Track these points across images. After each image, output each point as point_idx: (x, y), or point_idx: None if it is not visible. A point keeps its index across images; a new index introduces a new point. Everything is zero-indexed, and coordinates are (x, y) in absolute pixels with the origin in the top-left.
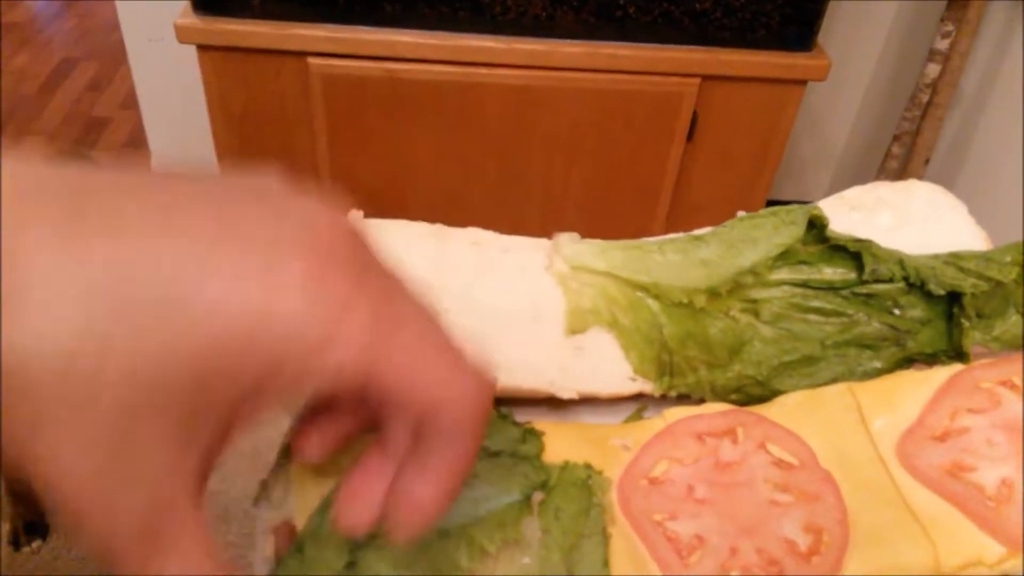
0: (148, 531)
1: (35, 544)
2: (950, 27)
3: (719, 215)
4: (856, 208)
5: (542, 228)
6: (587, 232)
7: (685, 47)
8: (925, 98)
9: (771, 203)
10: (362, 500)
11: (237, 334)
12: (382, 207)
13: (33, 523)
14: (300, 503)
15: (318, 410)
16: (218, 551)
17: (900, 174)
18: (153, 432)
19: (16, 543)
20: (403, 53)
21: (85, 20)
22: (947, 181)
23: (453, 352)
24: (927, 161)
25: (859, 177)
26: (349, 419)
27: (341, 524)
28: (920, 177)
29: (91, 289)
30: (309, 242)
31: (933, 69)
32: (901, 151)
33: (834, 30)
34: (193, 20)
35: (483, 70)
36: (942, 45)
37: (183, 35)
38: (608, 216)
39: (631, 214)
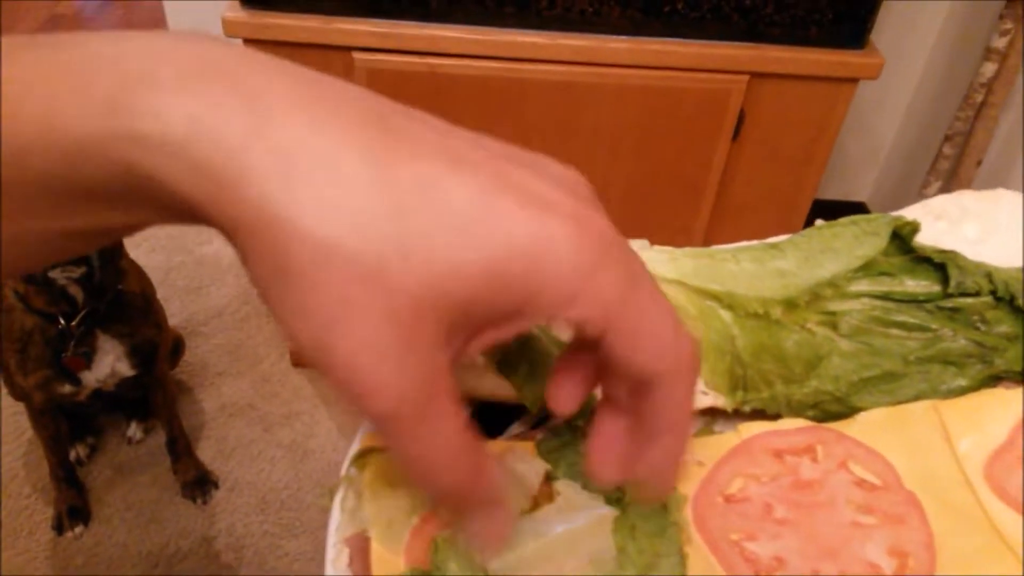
0: (421, 406)
1: (78, 529)
2: (1009, 24)
3: (764, 214)
4: (941, 217)
5: None
6: (629, 230)
7: (734, 43)
8: (979, 98)
9: (816, 203)
10: (611, 460)
11: (514, 264)
12: None
13: (76, 508)
14: (374, 514)
15: (566, 365)
16: (471, 433)
17: (951, 175)
18: (432, 331)
19: (60, 528)
20: (447, 48)
21: (131, 13)
22: (1000, 183)
23: (674, 315)
24: (979, 162)
25: (906, 177)
26: (590, 371)
27: (599, 482)
28: (971, 179)
29: (401, 204)
30: (572, 200)
31: (989, 68)
32: (953, 152)
33: (884, 27)
34: (240, 14)
35: (527, 66)
36: (1000, 43)
37: (230, 29)
38: (651, 214)
39: (674, 212)
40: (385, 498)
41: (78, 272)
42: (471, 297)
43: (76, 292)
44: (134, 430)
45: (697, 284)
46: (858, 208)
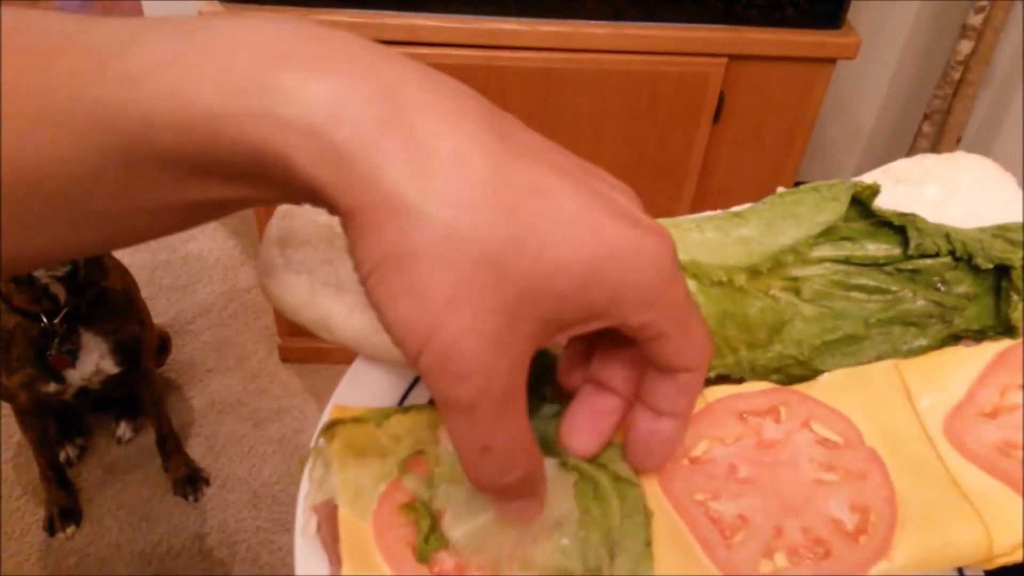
0: (501, 398)
1: (69, 530)
2: (984, 2)
3: (746, 197)
4: (902, 181)
5: None
6: None
7: (712, 26)
8: (957, 75)
9: (797, 184)
10: (593, 435)
11: (610, 265)
12: None
13: (67, 509)
14: (342, 482)
15: (587, 404)
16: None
17: (931, 153)
18: (529, 324)
19: (51, 529)
20: (426, 37)
21: (110, 13)
22: None
23: (698, 310)
24: (959, 140)
25: (888, 157)
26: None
27: (576, 453)
28: None
29: (518, 202)
30: (644, 214)
31: (966, 45)
32: (932, 130)
33: (861, 6)
34: (217, 7)
35: (507, 53)
36: (975, 20)
37: None
38: None
39: (657, 197)
40: (353, 467)
41: (63, 270)
42: (569, 293)
43: (58, 290)
44: (123, 429)
45: None
46: None
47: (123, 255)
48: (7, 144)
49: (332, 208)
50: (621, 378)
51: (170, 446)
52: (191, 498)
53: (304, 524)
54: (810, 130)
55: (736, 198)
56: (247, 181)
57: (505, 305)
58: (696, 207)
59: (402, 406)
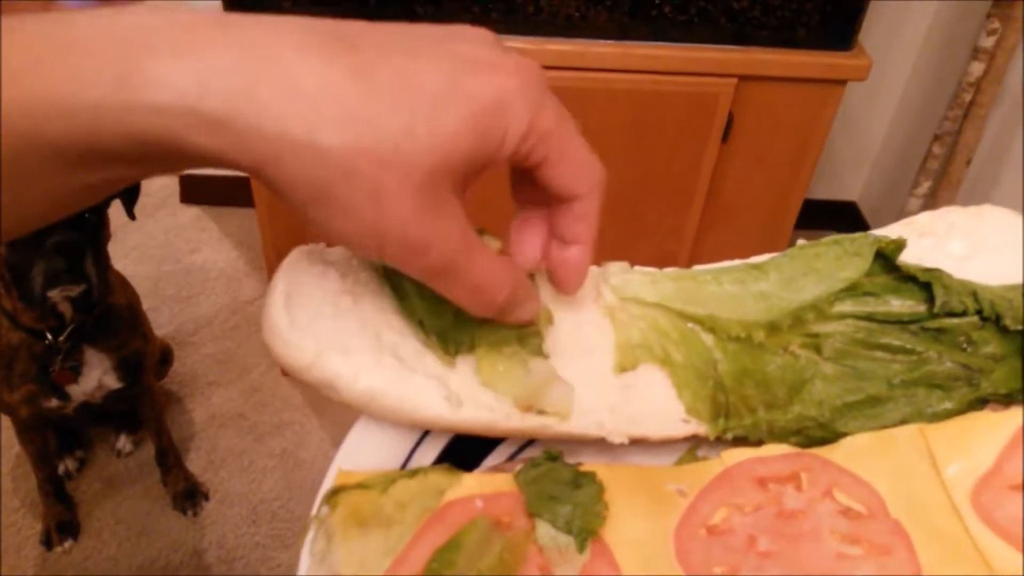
0: (465, 247)
1: (67, 544)
2: (996, 24)
3: (754, 216)
4: (926, 234)
5: None
6: (620, 233)
7: (722, 47)
8: (968, 97)
9: (806, 203)
10: (530, 251)
11: (487, 118)
12: None
13: (65, 523)
14: (345, 556)
15: (520, 223)
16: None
17: (941, 175)
18: (448, 189)
19: (48, 543)
20: None
21: None
22: (989, 182)
23: (588, 146)
24: (969, 161)
25: (896, 177)
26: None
27: (523, 262)
28: (960, 178)
29: (391, 100)
30: (505, 55)
31: (977, 67)
32: (942, 151)
33: (872, 28)
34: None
35: None
36: (987, 43)
37: None
38: (641, 217)
39: (665, 215)
40: (357, 539)
41: (77, 291)
42: (465, 153)
43: (66, 308)
44: (123, 442)
45: (678, 307)
46: (848, 208)
47: (126, 266)
48: None
49: (238, 168)
50: (535, 237)
51: (170, 460)
52: (190, 513)
53: None
54: (819, 151)
55: (744, 217)
56: (152, 161)
57: (423, 186)
58: (704, 225)
59: (407, 468)
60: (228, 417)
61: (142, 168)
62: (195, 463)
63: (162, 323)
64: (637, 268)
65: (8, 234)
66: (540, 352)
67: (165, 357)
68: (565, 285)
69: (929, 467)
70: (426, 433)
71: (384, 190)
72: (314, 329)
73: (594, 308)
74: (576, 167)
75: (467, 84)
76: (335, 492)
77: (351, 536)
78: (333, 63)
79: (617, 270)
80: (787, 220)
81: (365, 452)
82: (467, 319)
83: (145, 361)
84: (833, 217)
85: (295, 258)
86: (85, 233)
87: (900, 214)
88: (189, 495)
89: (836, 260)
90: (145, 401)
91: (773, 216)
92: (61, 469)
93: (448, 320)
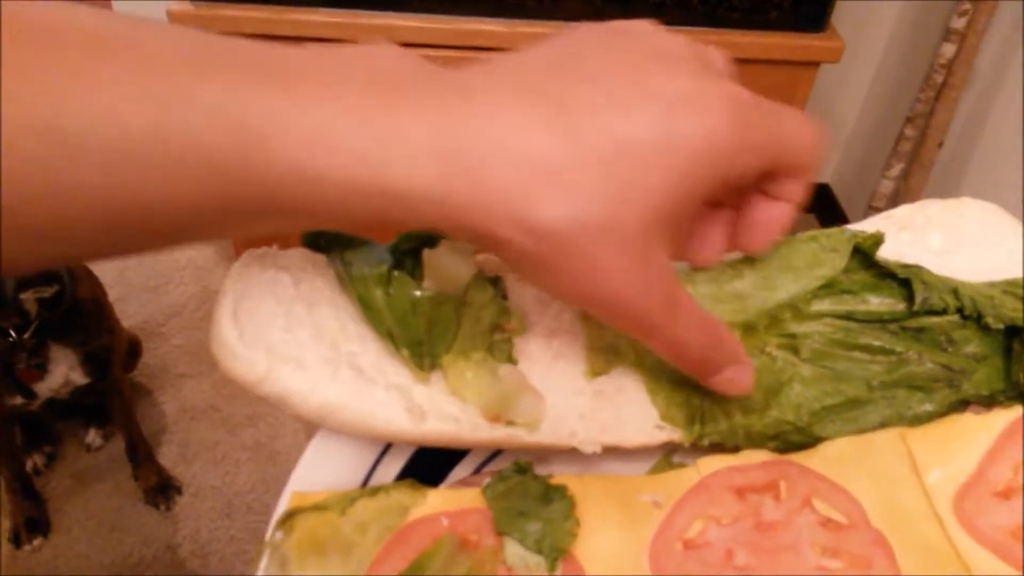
0: (671, 307)
1: (36, 542)
2: (967, 5)
3: None
4: (904, 228)
5: None
6: None
7: (694, 28)
8: (940, 79)
9: None
10: (710, 244)
11: (700, 166)
12: None
13: (34, 520)
14: None
15: (704, 224)
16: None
17: (913, 156)
18: (659, 245)
19: (17, 541)
20: (405, 38)
21: None
22: (961, 163)
23: (795, 115)
24: (941, 144)
25: (869, 159)
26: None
27: (702, 257)
28: (933, 160)
29: (601, 162)
30: (704, 80)
31: (948, 49)
32: (914, 133)
33: (845, 9)
34: (187, 6)
35: (484, 54)
36: (959, 24)
37: (177, 21)
38: None
39: None
40: (313, 565)
41: (50, 292)
42: (679, 205)
43: (32, 307)
44: (93, 437)
45: None
46: (821, 190)
47: None
48: (129, 188)
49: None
50: (721, 226)
51: (140, 454)
52: (163, 507)
53: None
54: None
55: None
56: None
57: (636, 248)
58: None
59: (368, 487)
60: (200, 409)
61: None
62: (167, 456)
63: (130, 314)
64: None
65: (133, 254)
66: (510, 358)
67: (133, 349)
68: (760, 244)
69: (910, 473)
70: (389, 446)
71: (599, 262)
72: (265, 341)
73: (565, 311)
74: (792, 153)
75: (676, 132)
76: (289, 516)
77: (307, 562)
78: (545, 123)
79: None
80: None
81: (323, 470)
82: (441, 331)
83: (112, 356)
84: (801, 233)
85: (244, 263)
86: None
87: (873, 196)
88: (161, 489)
89: (813, 257)
90: (114, 395)
91: None
92: (29, 465)
93: (420, 332)
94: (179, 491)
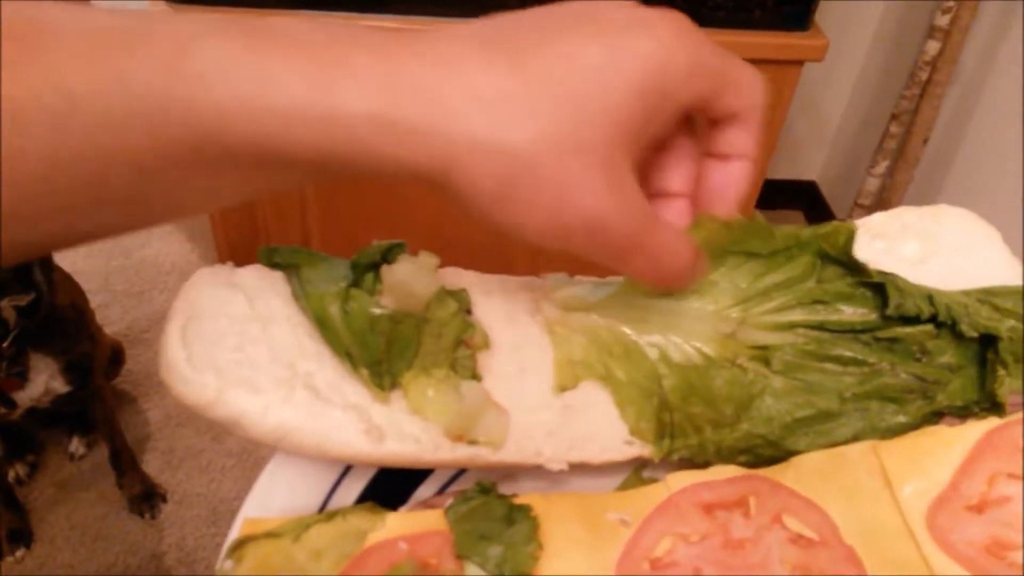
0: (650, 219)
1: (19, 553)
2: (951, 2)
3: None
4: (879, 236)
5: None
6: None
7: None
8: (924, 76)
9: (767, 183)
10: (677, 176)
11: (653, 79)
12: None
13: (16, 531)
14: None
15: (671, 156)
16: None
17: (898, 153)
18: (626, 160)
19: None
20: None
21: None
22: (946, 159)
23: (740, 60)
24: (926, 140)
25: (854, 156)
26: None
27: (666, 189)
28: (918, 157)
29: (558, 90)
30: (649, 12)
31: (933, 46)
32: (899, 130)
33: (829, 7)
34: (163, 7)
35: None
36: (943, 21)
37: None
38: None
39: None
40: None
41: (27, 299)
42: (638, 119)
43: (10, 315)
44: (76, 445)
45: (621, 320)
46: (808, 187)
47: (74, 261)
48: (76, 144)
49: (415, 175)
50: (680, 177)
51: (124, 462)
52: (148, 516)
53: None
54: (778, 131)
55: None
56: (313, 171)
57: (603, 163)
58: None
59: (324, 512)
60: (184, 416)
61: (308, 176)
62: (151, 464)
63: (113, 320)
64: (578, 277)
65: (120, 232)
66: (474, 374)
67: (116, 356)
68: (725, 205)
69: (883, 487)
70: (349, 467)
71: (568, 177)
72: (214, 362)
73: (532, 323)
74: (740, 88)
75: (625, 49)
76: (240, 543)
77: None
78: (496, 64)
79: (556, 282)
80: (747, 200)
81: (280, 494)
82: (400, 349)
83: (94, 363)
84: (793, 197)
85: (196, 282)
86: None
87: (859, 193)
88: (146, 497)
89: (786, 261)
90: (96, 403)
91: None
92: (11, 475)
93: (379, 350)
94: (164, 499)
